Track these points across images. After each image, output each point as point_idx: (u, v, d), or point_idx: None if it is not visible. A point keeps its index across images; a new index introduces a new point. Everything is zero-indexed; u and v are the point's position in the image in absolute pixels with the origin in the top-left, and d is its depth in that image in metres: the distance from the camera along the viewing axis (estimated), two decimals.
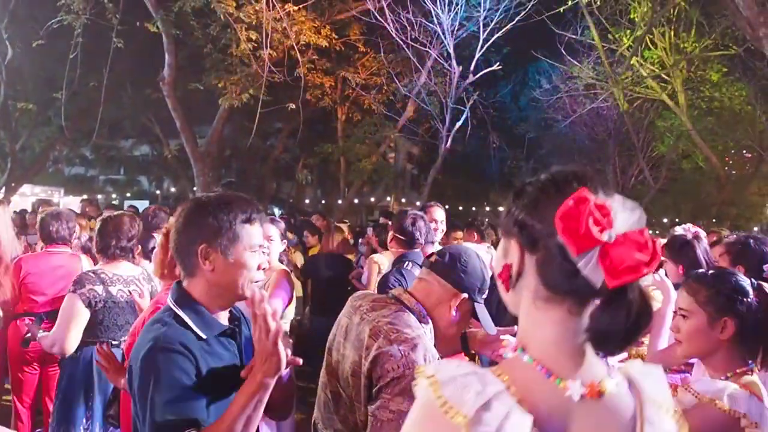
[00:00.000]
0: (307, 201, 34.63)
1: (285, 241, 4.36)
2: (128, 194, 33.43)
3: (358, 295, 2.23)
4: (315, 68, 14.44)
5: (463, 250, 2.16)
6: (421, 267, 2.40)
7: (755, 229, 23.07)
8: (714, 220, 20.19)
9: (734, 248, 3.37)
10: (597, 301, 0.99)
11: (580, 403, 0.98)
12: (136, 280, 3.66)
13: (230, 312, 1.86)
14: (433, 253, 2.22)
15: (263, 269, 1.80)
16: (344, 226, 9.00)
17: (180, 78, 13.80)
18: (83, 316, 3.44)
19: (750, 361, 1.94)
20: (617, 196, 1.01)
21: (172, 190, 34.65)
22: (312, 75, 14.50)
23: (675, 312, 2.12)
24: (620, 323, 0.98)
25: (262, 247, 1.81)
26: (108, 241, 3.57)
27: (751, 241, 3.33)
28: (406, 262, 3.77)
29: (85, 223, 6.83)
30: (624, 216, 0.97)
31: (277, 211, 22.55)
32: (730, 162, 20.56)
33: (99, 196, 26.43)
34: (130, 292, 3.55)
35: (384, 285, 3.62)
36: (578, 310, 1.00)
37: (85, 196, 14.02)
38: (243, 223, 1.73)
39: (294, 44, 12.24)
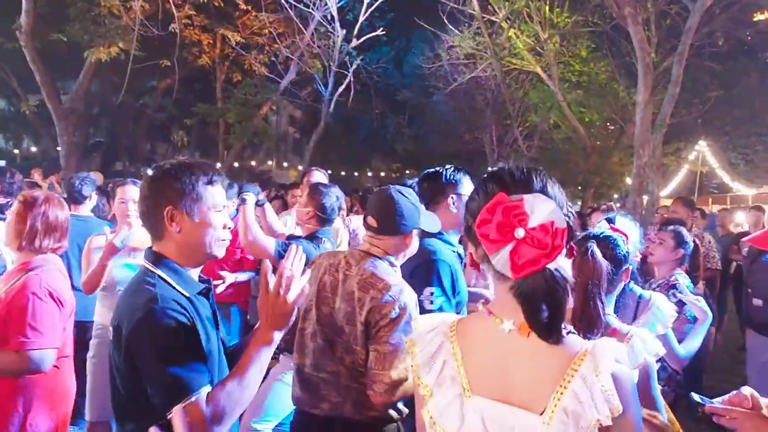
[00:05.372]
0: None
1: None
2: None
3: (328, 254, 2.58)
4: (192, 24, 13.69)
5: (385, 201, 2.42)
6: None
7: (615, 196, 24.98)
8: (579, 188, 21.58)
9: None
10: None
11: (512, 337, 1.32)
12: None
13: (199, 276, 1.96)
14: (367, 216, 2.47)
15: (228, 228, 1.91)
16: None
17: (40, 27, 12.62)
18: None
19: None
20: (534, 193, 1.27)
21: (33, 149, 31.95)
22: (189, 31, 13.76)
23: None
24: (531, 303, 1.27)
25: (227, 207, 1.94)
26: None
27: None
28: (323, 239, 3.66)
29: None
30: (539, 209, 1.24)
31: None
32: (595, 133, 21.89)
33: None
34: None
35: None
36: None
37: None
38: (205, 184, 1.84)
39: None
